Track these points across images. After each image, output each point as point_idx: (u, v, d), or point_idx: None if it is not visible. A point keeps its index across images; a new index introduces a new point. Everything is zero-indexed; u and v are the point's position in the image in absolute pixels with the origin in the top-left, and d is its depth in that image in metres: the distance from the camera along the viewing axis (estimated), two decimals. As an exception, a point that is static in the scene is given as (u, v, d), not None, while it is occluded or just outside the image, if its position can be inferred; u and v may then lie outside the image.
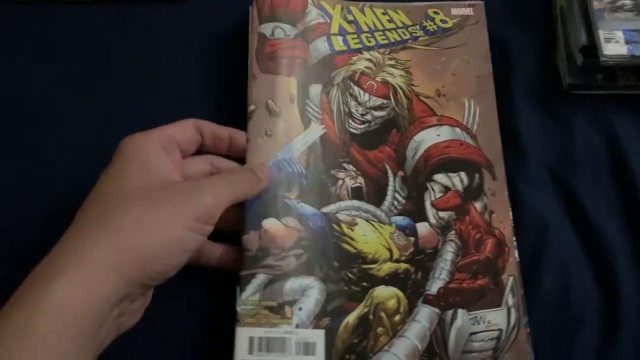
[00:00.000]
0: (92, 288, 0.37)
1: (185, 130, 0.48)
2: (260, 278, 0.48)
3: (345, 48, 0.57)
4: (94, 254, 0.38)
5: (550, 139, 0.56)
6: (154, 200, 0.41)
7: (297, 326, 0.47)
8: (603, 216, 0.53)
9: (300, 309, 0.47)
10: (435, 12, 0.59)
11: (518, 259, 0.50)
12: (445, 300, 0.49)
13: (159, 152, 0.45)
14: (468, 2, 0.59)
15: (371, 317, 0.48)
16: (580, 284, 0.51)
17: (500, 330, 0.48)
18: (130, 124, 0.54)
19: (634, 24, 0.54)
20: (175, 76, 0.59)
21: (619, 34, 0.54)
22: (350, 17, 0.58)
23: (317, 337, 0.47)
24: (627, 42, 0.53)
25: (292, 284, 0.48)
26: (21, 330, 0.35)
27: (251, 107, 0.53)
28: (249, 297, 0.47)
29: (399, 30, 0.58)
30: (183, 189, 0.43)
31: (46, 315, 0.36)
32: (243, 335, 0.46)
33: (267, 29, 0.56)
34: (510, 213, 0.52)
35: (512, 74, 0.58)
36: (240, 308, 0.47)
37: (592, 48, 0.54)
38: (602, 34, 0.54)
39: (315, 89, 0.55)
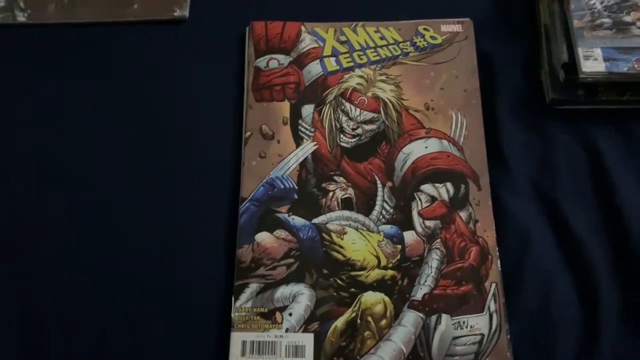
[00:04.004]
0: None
1: None
2: (253, 287, 0.52)
3: (337, 68, 0.60)
4: None
5: (533, 152, 0.57)
6: None
7: (287, 330, 0.50)
8: (583, 227, 0.54)
9: (290, 314, 0.51)
10: (426, 29, 0.62)
11: (500, 268, 0.52)
12: (430, 306, 0.51)
13: None
14: (457, 19, 0.62)
15: (359, 321, 0.51)
16: (561, 292, 0.52)
17: (482, 334, 0.50)
18: (126, 142, 0.60)
19: (612, 42, 0.56)
20: (173, 96, 0.62)
21: (598, 52, 0.55)
22: (343, 38, 0.62)
23: (307, 340, 0.50)
24: (606, 59, 0.55)
25: (282, 291, 0.52)
26: None
27: (247, 134, 0.58)
28: (242, 304, 0.51)
29: (390, 47, 0.61)
30: None
31: None
32: (236, 339, 0.50)
33: (262, 62, 0.61)
34: (494, 222, 0.54)
35: (498, 89, 0.60)
36: (234, 315, 0.51)
37: (572, 65, 0.56)
38: (581, 51, 0.55)
39: (308, 109, 0.59)
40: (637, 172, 0.56)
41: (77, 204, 0.57)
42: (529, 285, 0.52)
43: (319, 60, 0.61)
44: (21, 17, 0.64)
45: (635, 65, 0.55)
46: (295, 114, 0.59)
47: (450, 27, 0.62)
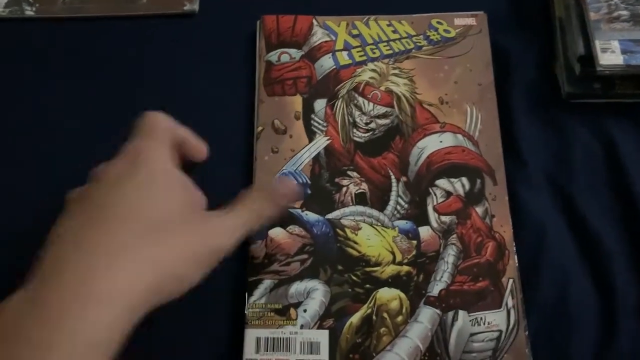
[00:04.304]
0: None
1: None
2: (267, 283, 0.51)
3: (350, 62, 0.60)
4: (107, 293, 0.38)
5: (549, 146, 0.57)
6: (173, 240, 0.41)
7: (302, 327, 0.49)
8: (600, 221, 0.53)
9: (305, 310, 0.50)
10: (439, 22, 0.61)
11: (517, 263, 0.52)
12: (447, 302, 0.50)
13: (175, 168, 0.45)
14: (471, 13, 0.61)
15: (374, 317, 0.50)
16: (578, 288, 0.51)
17: (500, 331, 0.49)
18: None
19: (630, 34, 0.55)
20: (184, 92, 0.61)
21: (615, 44, 0.54)
22: (355, 32, 0.61)
23: (322, 337, 0.49)
24: (623, 52, 0.54)
25: (297, 287, 0.51)
26: None
27: (259, 129, 0.57)
28: (256, 301, 0.50)
29: (403, 40, 0.60)
30: (200, 232, 0.43)
31: None
32: (251, 336, 0.49)
33: (273, 56, 0.60)
34: (510, 217, 0.53)
35: (513, 83, 0.59)
36: (248, 311, 0.50)
37: (589, 58, 0.55)
38: (598, 44, 0.55)
39: (320, 104, 0.58)
40: (654, 165, 0.55)
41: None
42: (546, 281, 0.52)
43: (331, 54, 0.60)
44: (29, 11, 0.63)
45: (653, 58, 0.54)
46: (308, 109, 0.58)
47: (464, 20, 0.61)
